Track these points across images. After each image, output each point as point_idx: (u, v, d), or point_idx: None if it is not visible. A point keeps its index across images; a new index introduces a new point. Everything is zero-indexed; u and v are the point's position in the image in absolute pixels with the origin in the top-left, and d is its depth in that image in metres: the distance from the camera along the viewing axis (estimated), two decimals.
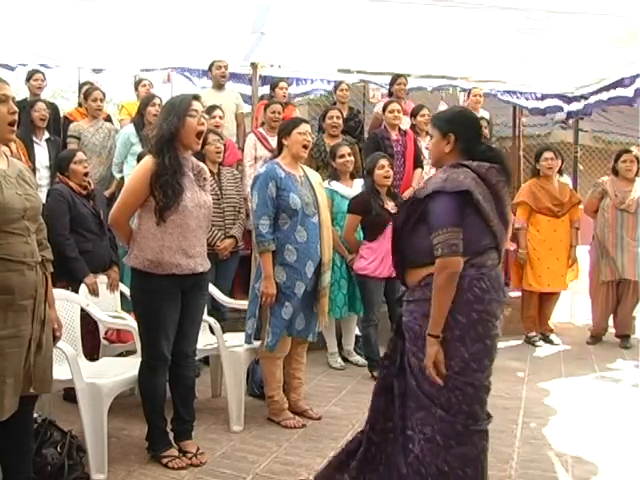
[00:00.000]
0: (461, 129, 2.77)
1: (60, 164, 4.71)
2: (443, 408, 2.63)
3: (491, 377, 2.71)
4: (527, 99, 8.54)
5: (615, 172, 6.60)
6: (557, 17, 5.57)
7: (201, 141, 3.59)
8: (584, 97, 8.23)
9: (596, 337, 6.65)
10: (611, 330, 6.69)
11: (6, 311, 2.58)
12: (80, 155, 4.67)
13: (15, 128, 2.69)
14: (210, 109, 5.80)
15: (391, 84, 7.16)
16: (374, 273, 5.13)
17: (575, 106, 8.39)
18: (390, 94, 7.18)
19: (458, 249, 2.58)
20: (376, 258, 5.13)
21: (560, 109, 8.60)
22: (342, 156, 5.35)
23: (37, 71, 6.53)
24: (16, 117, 2.67)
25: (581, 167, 9.40)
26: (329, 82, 7.91)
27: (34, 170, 5.40)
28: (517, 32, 5.96)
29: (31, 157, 5.60)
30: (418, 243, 2.72)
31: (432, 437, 2.64)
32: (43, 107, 5.84)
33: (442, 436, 2.63)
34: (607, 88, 7.62)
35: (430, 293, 2.62)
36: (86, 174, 4.63)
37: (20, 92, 7.36)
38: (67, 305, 3.93)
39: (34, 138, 5.76)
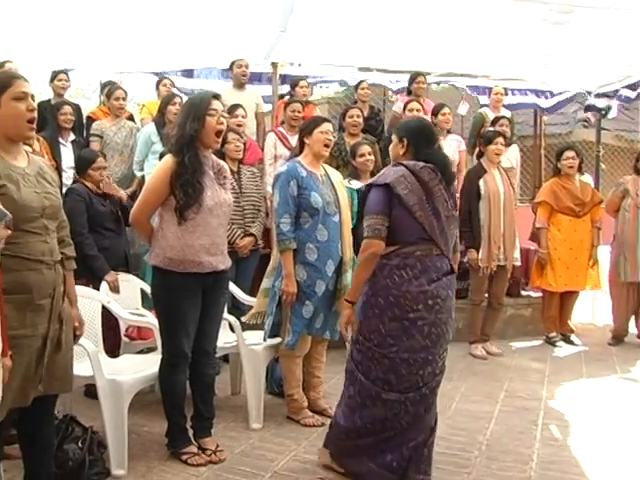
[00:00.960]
0: (412, 136, 3.26)
1: (78, 166, 4.77)
2: (363, 373, 3.20)
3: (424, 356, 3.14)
4: (547, 98, 8.49)
5: (637, 171, 6.54)
6: (580, 12, 5.50)
7: (221, 140, 3.60)
8: (607, 95, 8.15)
9: (618, 338, 6.59)
10: (632, 331, 6.63)
11: (24, 310, 2.58)
12: (100, 162, 4.74)
13: (34, 126, 2.69)
14: (233, 108, 5.82)
15: (410, 82, 7.14)
16: None
17: (598, 103, 8.30)
18: (409, 92, 7.16)
19: (380, 233, 3.09)
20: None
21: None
22: (362, 155, 5.34)
23: (61, 71, 6.57)
24: (35, 114, 2.67)
25: (603, 166, 9.31)
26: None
27: (59, 170, 5.46)
28: (540, 26, 5.88)
29: (57, 158, 5.65)
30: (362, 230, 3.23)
31: (353, 395, 3.25)
32: (69, 110, 5.88)
33: (360, 397, 3.21)
34: (633, 87, 7.55)
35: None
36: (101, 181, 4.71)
37: (43, 93, 7.45)
38: (88, 302, 3.95)
39: (60, 139, 5.81)
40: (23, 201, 2.57)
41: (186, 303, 3.47)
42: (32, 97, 2.68)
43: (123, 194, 4.92)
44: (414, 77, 7.10)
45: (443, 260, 3.19)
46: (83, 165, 4.74)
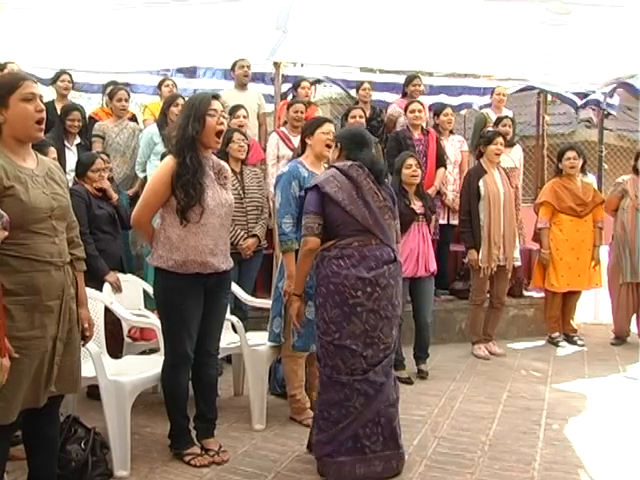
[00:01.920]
0: (345, 141, 3.61)
1: (78, 168, 4.78)
2: (317, 358, 3.47)
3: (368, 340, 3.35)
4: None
5: (636, 171, 6.54)
6: (579, 10, 5.49)
7: (221, 140, 3.60)
8: (608, 94, 8.14)
9: (620, 338, 6.59)
10: (634, 331, 6.63)
11: (32, 312, 2.58)
12: (99, 163, 4.75)
13: (43, 127, 2.70)
14: (234, 108, 5.83)
15: (406, 84, 7.14)
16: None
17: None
18: (404, 95, 7.16)
19: (313, 231, 3.39)
20: (402, 257, 5.11)
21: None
22: None
23: (64, 72, 6.57)
24: (44, 115, 2.68)
25: (606, 166, 9.29)
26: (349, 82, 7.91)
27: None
28: (539, 26, 5.88)
29: (61, 161, 5.64)
30: None
31: (320, 378, 3.46)
32: (78, 116, 5.83)
33: (321, 383, 3.44)
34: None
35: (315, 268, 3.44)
36: (110, 179, 4.73)
37: (46, 95, 7.42)
38: (91, 303, 3.94)
39: (66, 143, 5.80)
40: (31, 202, 2.57)
41: (188, 304, 3.47)
42: (40, 98, 2.69)
43: (115, 195, 4.91)
44: (410, 79, 7.10)
45: (384, 249, 3.42)
46: (82, 168, 4.76)
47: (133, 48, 7.08)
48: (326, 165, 4.01)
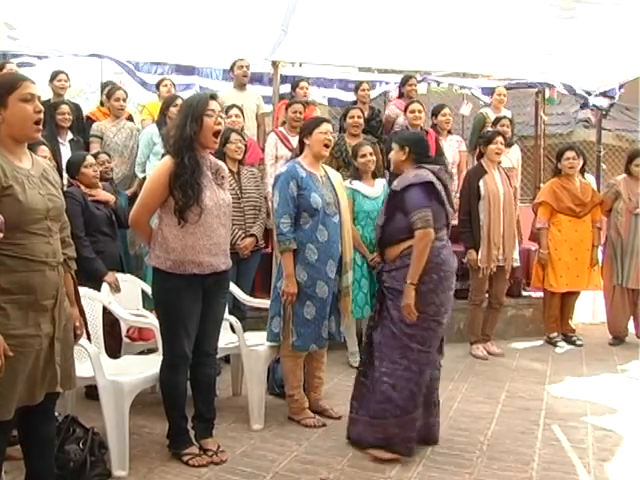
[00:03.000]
0: (414, 144, 3.89)
1: (70, 168, 4.78)
2: (419, 343, 3.66)
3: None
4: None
5: (629, 172, 6.54)
6: (582, 8, 5.47)
7: (219, 140, 3.61)
8: (611, 95, 8.12)
9: (618, 338, 6.59)
10: (632, 331, 6.63)
11: (27, 310, 2.60)
12: (89, 159, 4.76)
13: (40, 127, 2.71)
14: (228, 109, 5.83)
15: (402, 85, 7.15)
16: None
17: (600, 102, 8.26)
18: (401, 95, 7.16)
19: (430, 223, 3.63)
20: None
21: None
22: (364, 156, 5.33)
23: (61, 72, 6.57)
24: (42, 116, 2.69)
25: (604, 166, 9.29)
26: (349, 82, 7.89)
27: (60, 170, 5.46)
28: (543, 20, 5.87)
29: (56, 158, 5.64)
30: (397, 225, 3.76)
31: (408, 367, 3.64)
32: (67, 110, 5.88)
33: (417, 365, 3.65)
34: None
35: (408, 261, 3.64)
36: (107, 176, 4.73)
37: (43, 94, 7.41)
38: (89, 303, 3.95)
39: (59, 139, 5.81)
40: (28, 203, 2.58)
41: (187, 304, 3.47)
42: (39, 99, 2.70)
43: (111, 197, 4.90)
44: (406, 80, 7.12)
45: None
46: (74, 167, 4.75)
47: (129, 47, 7.11)
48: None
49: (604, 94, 8.13)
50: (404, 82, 7.12)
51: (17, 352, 2.52)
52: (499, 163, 6.02)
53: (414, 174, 3.75)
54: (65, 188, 4.82)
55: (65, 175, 5.09)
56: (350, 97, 7.63)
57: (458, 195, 6.31)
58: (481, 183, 5.82)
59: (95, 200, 4.73)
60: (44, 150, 4.18)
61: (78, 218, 4.50)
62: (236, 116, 5.89)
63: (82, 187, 4.70)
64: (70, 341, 2.87)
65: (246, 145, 5.31)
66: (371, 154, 5.37)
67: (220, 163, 3.72)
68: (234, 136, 5.09)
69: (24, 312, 2.59)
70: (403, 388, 3.63)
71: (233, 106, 5.94)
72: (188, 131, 3.40)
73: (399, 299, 3.65)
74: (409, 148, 3.86)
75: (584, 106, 8.46)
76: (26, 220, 2.57)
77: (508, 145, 6.69)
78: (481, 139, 6.10)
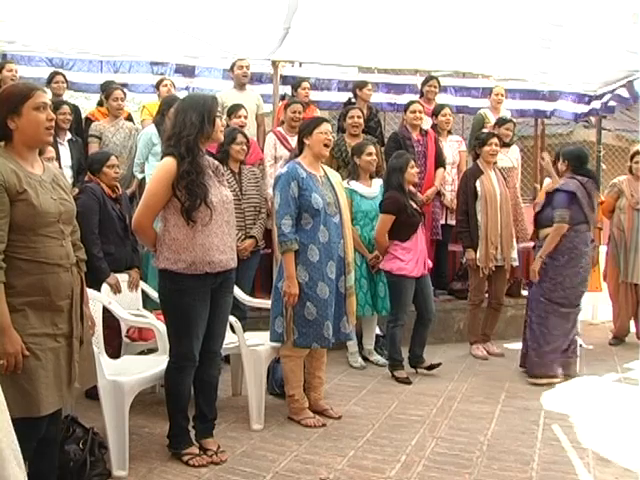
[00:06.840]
0: (572, 158, 5.30)
1: (92, 165, 4.79)
2: (553, 301, 5.19)
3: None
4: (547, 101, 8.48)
5: (631, 171, 6.56)
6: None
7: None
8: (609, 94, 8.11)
9: (618, 338, 6.60)
10: (633, 330, 6.63)
11: (43, 311, 2.68)
12: (113, 160, 4.79)
13: (52, 131, 2.80)
14: (235, 108, 5.83)
15: (423, 84, 7.21)
16: (412, 273, 5.14)
17: (597, 104, 8.26)
18: (421, 94, 7.19)
19: (565, 220, 5.08)
20: (412, 258, 5.13)
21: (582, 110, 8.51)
22: (370, 154, 5.32)
23: (58, 73, 6.56)
24: (53, 123, 2.80)
25: (604, 166, 9.30)
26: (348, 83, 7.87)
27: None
28: (541, 24, 5.90)
29: (57, 158, 5.65)
30: (547, 215, 5.24)
31: (545, 317, 5.22)
32: (67, 110, 5.86)
33: (546, 313, 5.21)
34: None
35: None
36: (116, 179, 4.75)
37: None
38: (90, 303, 3.95)
39: (58, 139, 5.80)
40: (42, 207, 2.66)
41: (197, 305, 3.45)
42: (50, 107, 2.80)
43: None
44: (427, 80, 7.18)
45: (589, 233, 5.27)
46: (97, 165, 4.76)
47: (129, 46, 7.10)
48: (322, 166, 4.18)
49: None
50: (425, 82, 7.19)
51: (37, 350, 2.62)
52: (495, 163, 6.02)
53: (564, 182, 5.18)
54: (85, 184, 4.84)
55: (67, 174, 5.11)
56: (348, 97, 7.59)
57: (456, 195, 6.32)
58: (477, 183, 5.84)
59: (112, 198, 4.73)
60: (50, 151, 4.20)
61: (94, 214, 4.51)
62: (244, 117, 5.91)
63: (102, 185, 4.69)
64: (89, 338, 2.97)
65: (248, 146, 5.31)
66: (375, 153, 5.39)
67: (216, 162, 3.69)
68: (240, 137, 5.10)
69: (39, 312, 2.67)
70: (539, 326, 5.23)
71: (241, 107, 5.95)
72: (205, 131, 3.41)
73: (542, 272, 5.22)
74: (568, 161, 5.24)
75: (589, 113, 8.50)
76: (40, 223, 2.66)
77: (508, 145, 6.70)
78: (476, 140, 6.11)
